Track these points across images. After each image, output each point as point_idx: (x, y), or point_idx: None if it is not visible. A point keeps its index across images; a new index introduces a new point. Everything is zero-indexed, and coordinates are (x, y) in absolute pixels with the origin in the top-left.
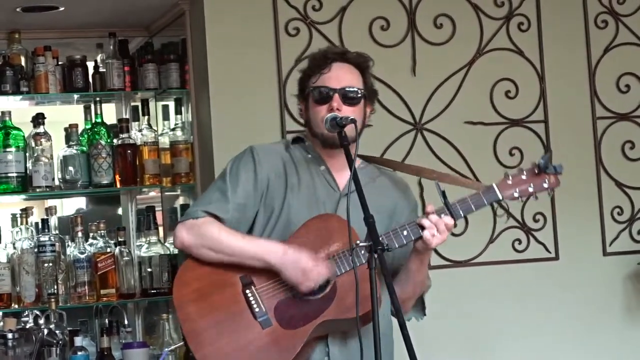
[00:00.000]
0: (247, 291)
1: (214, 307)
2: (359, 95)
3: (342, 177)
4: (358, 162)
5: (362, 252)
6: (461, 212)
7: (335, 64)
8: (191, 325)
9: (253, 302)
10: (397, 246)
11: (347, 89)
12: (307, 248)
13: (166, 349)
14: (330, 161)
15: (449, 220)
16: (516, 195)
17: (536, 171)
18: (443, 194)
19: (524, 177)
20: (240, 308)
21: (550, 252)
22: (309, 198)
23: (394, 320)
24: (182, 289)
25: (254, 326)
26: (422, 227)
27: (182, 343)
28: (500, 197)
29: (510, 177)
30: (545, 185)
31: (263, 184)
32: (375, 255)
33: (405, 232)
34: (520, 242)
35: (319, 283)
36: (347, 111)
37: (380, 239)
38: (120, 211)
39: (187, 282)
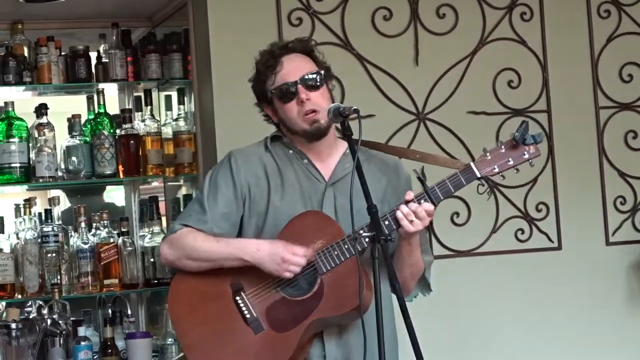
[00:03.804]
0: (237, 297)
1: (207, 318)
2: (319, 78)
3: (326, 167)
4: (342, 150)
5: (346, 247)
6: (441, 196)
7: (284, 58)
8: (189, 339)
9: (244, 307)
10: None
11: (305, 77)
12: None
13: None
14: (311, 153)
15: (428, 206)
16: (496, 170)
17: (514, 144)
18: (420, 180)
19: (502, 151)
20: (231, 316)
21: (553, 242)
22: (294, 195)
23: (397, 312)
24: (176, 303)
25: (247, 332)
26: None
27: (182, 354)
28: (479, 175)
29: (489, 153)
30: (525, 157)
31: (243, 190)
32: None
33: (387, 222)
34: (523, 231)
35: (301, 266)
36: (316, 96)
37: (362, 229)
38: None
39: (179, 297)
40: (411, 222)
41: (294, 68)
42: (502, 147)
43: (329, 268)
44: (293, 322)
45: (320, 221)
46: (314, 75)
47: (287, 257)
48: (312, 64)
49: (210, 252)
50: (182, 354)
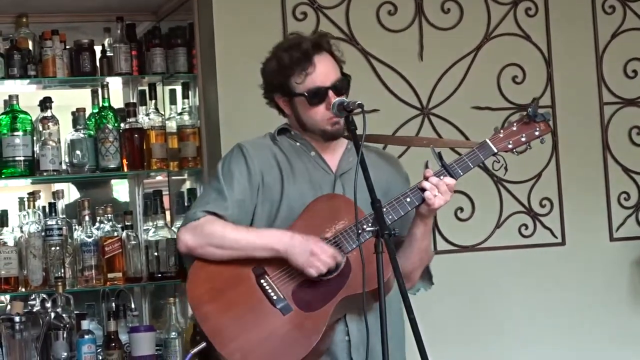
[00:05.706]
0: (262, 281)
1: (231, 303)
2: (348, 83)
3: (333, 160)
4: (345, 144)
5: (370, 224)
6: (460, 171)
7: (316, 58)
8: (212, 324)
9: (269, 290)
10: (402, 214)
11: (337, 83)
12: (314, 230)
13: (190, 352)
14: (318, 146)
15: (449, 180)
16: (510, 146)
17: (526, 121)
18: (439, 155)
19: (514, 128)
20: (257, 299)
21: (556, 238)
22: (305, 184)
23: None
24: (195, 289)
25: (275, 314)
26: (423, 190)
27: (204, 344)
28: (495, 151)
29: (502, 131)
30: (537, 133)
31: (257, 177)
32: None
33: (408, 199)
34: (526, 227)
35: (328, 266)
36: None
37: (385, 208)
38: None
39: (199, 283)
40: (434, 197)
41: (325, 71)
42: (514, 124)
43: (353, 247)
44: (322, 300)
45: (337, 203)
46: (345, 82)
47: (317, 251)
48: (338, 67)
49: (241, 241)
50: (203, 344)
